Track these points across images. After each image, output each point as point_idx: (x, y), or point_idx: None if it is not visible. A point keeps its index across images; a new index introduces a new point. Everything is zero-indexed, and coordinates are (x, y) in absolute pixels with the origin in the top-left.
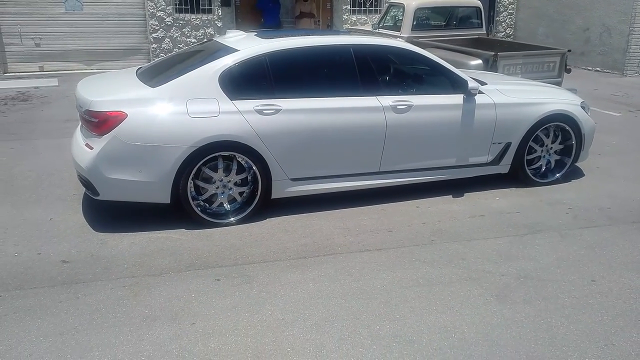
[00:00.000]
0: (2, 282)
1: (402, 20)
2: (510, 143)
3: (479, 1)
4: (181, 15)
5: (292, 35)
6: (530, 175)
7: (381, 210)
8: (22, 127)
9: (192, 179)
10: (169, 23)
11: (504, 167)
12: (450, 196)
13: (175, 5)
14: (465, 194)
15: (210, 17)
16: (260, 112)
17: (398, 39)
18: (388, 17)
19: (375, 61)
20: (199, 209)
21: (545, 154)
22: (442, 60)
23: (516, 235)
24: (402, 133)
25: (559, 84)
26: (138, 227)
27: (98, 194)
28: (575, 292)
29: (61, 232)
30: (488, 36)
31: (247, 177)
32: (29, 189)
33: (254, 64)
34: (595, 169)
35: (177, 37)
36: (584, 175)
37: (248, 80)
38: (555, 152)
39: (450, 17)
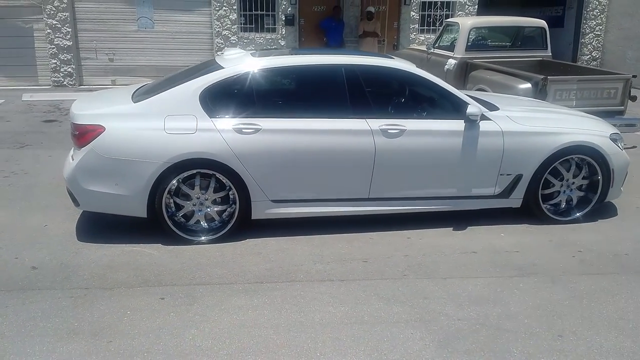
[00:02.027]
0: None
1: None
2: (522, 175)
3: (543, 21)
4: (246, 34)
5: (288, 55)
6: (546, 211)
7: (369, 238)
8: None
9: (172, 195)
10: (234, 41)
11: (515, 201)
12: (451, 229)
13: (241, 24)
14: (468, 227)
15: (274, 36)
16: (239, 130)
17: (451, 58)
18: (444, 37)
19: (368, 82)
20: (175, 225)
21: (565, 189)
22: (444, 83)
23: (501, 276)
24: (394, 159)
25: (621, 112)
26: (119, 239)
27: (78, 204)
28: (531, 347)
29: (47, 239)
30: (575, 62)
31: (228, 195)
32: (43, 196)
33: (237, 82)
34: (635, 209)
35: None
36: (616, 214)
37: (230, 99)
38: (580, 187)
39: (511, 38)
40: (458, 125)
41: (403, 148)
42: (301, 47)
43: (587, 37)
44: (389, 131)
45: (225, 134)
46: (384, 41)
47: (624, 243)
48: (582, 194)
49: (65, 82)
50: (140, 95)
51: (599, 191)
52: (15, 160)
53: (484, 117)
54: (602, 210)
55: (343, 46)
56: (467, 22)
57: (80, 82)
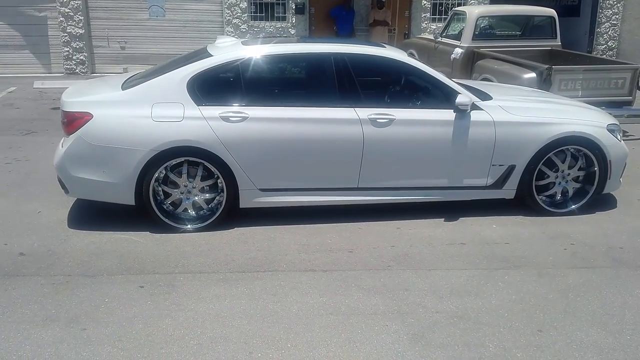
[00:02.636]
0: None
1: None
2: (514, 166)
3: (553, 10)
4: (256, 23)
5: (277, 43)
6: (541, 203)
7: (357, 228)
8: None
9: (160, 183)
10: (244, 30)
11: (508, 192)
12: (443, 219)
13: (251, 13)
14: (460, 218)
15: (284, 24)
16: (225, 119)
17: (458, 47)
18: (452, 26)
19: (357, 70)
20: (163, 212)
21: (560, 180)
22: (435, 72)
23: (486, 269)
24: (383, 148)
25: (629, 103)
26: (108, 227)
27: (68, 192)
28: (509, 341)
29: (38, 226)
30: (591, 52)
31: (216, 184)
32: (41, 182)
33: (225, 70)
34: (635, 201)
35: None
36: (615, 207)
37: (218, 87)
38: (576, 179)
39: (519, 27)
40: (448, 114)
41: (392, 138)
42: (311, 36)
43: (603, 26)
44: (377, 120)
45: (212, 122)
46: (394, 30)
47: (620, 236)
48: (578, 185)
49: (77, 70)
50: (130, 82)
51: (595, 183)
52: (18, 146)
53: (475, 107)
54: (601, 202)
55: (353, 35)
56: (474, 10)
57: (92, 70)
